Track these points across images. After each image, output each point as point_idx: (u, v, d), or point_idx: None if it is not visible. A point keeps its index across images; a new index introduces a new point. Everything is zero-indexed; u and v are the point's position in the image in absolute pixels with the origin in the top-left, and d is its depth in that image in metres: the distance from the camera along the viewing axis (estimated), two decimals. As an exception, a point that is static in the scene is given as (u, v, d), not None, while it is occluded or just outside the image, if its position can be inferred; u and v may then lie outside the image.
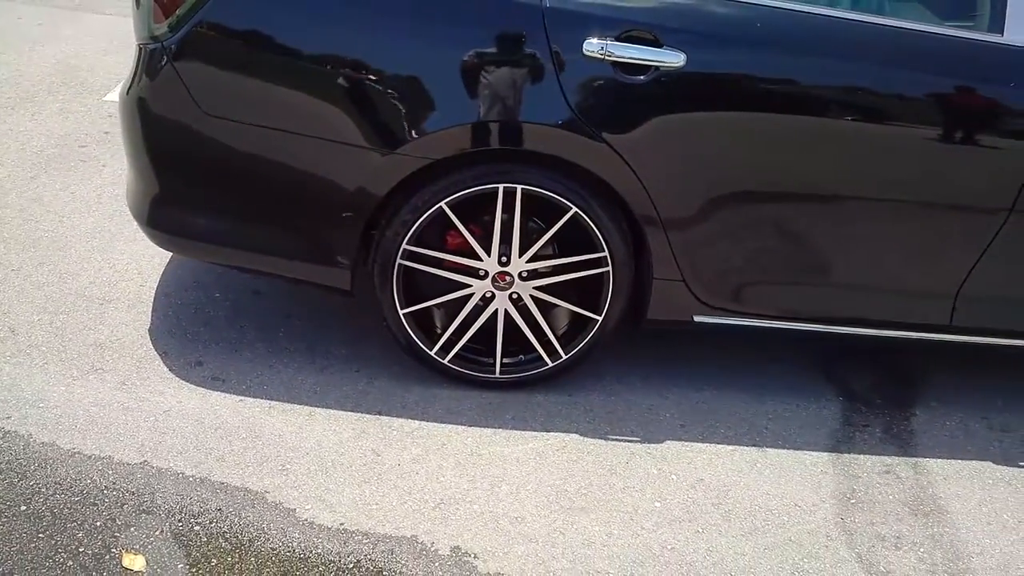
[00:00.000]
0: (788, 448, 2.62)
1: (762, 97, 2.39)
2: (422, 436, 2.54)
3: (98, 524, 2.17)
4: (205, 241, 2.62)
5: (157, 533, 2.16)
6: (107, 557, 2.09)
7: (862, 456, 2.62)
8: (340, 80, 2.38)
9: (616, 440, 2.59)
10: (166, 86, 2.45)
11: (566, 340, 2.68)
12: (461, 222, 2.49)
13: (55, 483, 2.26)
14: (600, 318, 2.62)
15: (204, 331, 2.85)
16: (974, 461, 2.64)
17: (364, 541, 2.20)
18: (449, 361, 2.67)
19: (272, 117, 2.42)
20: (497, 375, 2.69)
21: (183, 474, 2.33)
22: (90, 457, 2.35)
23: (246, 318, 2.93)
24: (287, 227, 2.56)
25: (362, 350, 2.82)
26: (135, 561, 2.08)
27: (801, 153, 2.42)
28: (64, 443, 2.38)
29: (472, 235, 2.52)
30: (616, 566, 2.20)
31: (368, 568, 2.13)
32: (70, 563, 2.07)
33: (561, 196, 2.45)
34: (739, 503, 2.41)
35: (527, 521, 2.30)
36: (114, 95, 4.24)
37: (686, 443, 2.60)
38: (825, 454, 2.61)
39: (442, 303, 2.64)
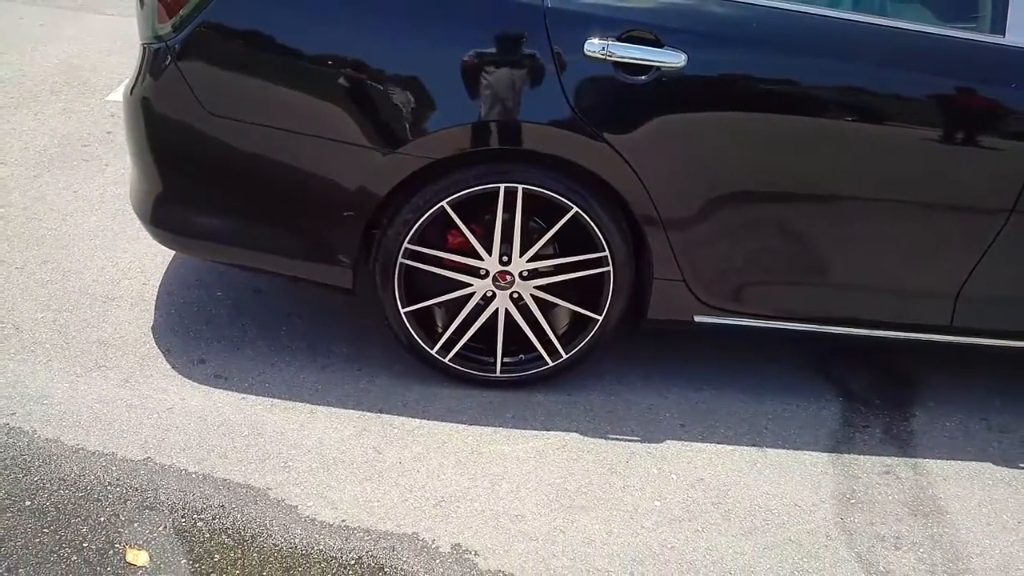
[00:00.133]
0: (788, 448, 2.63)
1: (762, 97, 2.40)
2: (423, 434, 2.55)
3: (102, 520, 2.18)
4: (208, 240, 2.63)
5: (160, 529, 2.17)
6: (111, 552, 2.10)
7: (862, 456, 2.63)
8: (342, 80, 2.39)
9: (616, 439, 2.60)
10: (170, 85, 2.46)
11: (566, 339, 2.69)
12: (462, 221, 2.50)
13: (59, 479, 2.28)
14: (600, 318, 2.63)
15: (206, 329, 2.86)
16: (973, 462, 2.65)
17: (365, 538, 2.21)
18: (450, 360, 2.68)
19: (275, 116, 2.43)
20: (498, 374, 2.70)
21: (186, 471, 2.34)
22: (94, 453, 2.36)
23: (248, 316, 2.94)
24: (289, 226, 2.57)
25: (363, 349, 2.84)
26: (139, 556, 2.10)
27: (802, 153, 2.43)
28: (68, 439, 2.39)
29: (473, 234, 2.54)
30: (616, 564, 2.21)
31: (369, 565, 2.14)
32: (74, 558, 2.08)
33: (562, 196, 2.46)
34: (739, 502, 2.42)
35: (527, 519, 2.31)
36: (116, 95, 4.25)
37: (686, 443, 2.61)
38: (825, 454, 2.62)
39: (443, 302, 2.65)
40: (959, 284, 2.58)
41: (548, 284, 2.61)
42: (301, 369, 2.74)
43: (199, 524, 2.20)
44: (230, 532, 2.19)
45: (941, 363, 3.02)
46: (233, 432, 2.48)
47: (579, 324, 2.68)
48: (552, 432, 2.60)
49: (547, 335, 2.65)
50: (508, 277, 2.59)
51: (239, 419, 2.53)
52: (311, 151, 2.44)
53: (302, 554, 2.15)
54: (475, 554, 2.20)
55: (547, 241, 2.55)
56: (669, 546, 2.27)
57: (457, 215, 2.49)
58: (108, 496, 2.24)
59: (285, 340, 2.85)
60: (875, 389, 2.91)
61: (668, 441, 2.61)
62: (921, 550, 2.34)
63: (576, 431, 2.61)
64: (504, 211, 2.49)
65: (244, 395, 2.62)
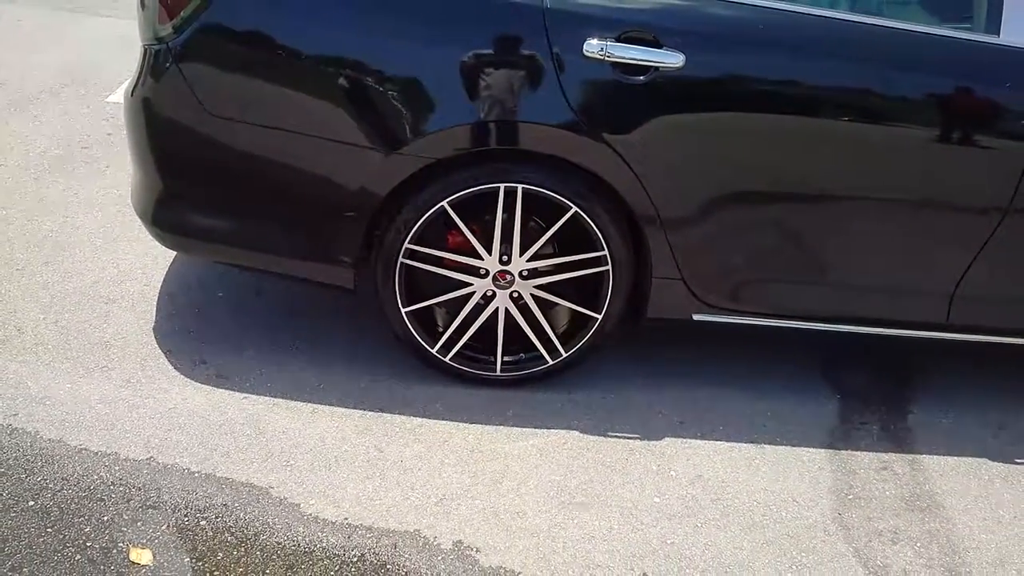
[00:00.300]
0: (786, 445, 2.64)
1: (761, 97, 2.42)
2: (424, 432, 2.56)
3: (105, 519, 2.19)
4: (209, 240, 2.65)
5: (163, 528, 2.19)
6: (114, 551, 2.11)
7: (859, 453, 2.64)
8: (342, 81, 2.41)
9: (616, 437, 2.62)
10: (170, 87, 2.47)
11: (566, 338, 2.70)
12: (462, 221, 2.51)
13: (62, 479, 2.29)
14: (600, 317, 2.64)
15: (208, 329, 2.87)
16: (970, 457, 2.66)
17: (368, 535, 2.22)
18: (450, 359, 2.70)
19: (275, 117, 2.44)
20: (498, 373, 2.72)
21: (188, 470, 2.35)
22: (96, 453, 2.37)
23: (249, 316, 2.95)
24: (290, 226, 2.58)
25: (364, 348, 2.85)
26: (142, 555, 2.11)
27: (799, 153, 2.45)
28: (71, 440, 2.40)
29: (473, 234, 2.55)
30: (616, 560, 2.23)
31: (372, 562, 2.16)
32: (78, 557, 2.09)
33: (561, 196, 2.48)
34: (737, 499, 2.44)
35: (528, 516, 2.33)
36: (116, 96, 4.26)
37: (685, 440, 2.63)
38: (823, 451, 2.64)
39: (443, 301, 2.66)
40: (955, 281, 2.60)
41: (548, 283, 2.63)
42: (302, 368, 2.75)
43: (202, 523, 2.21)
44: (233, 531, 2.20)
45: (940, 360, 3.03)
46: (235, 431, 2.49)
47: (579, 323, 2.70)
48: (552, 430, 2.62)
49: (547, 334, 2.67)
50: (508, 276, 2.61)
51: (241, 418, 2.54)
52: (311, 152, 2.46)
53: (305, 552, 2.16)
54: (476, 551, 2.22)
55: (546, 241, 2.57)
56: (669, 542, 2.29)
57: (457, 215, 2.50)
58: (111, 496, 2.26)
59: (286, 340, 2.87)
60: (872, 386, 2.93)
61: (667, 438, 2.63)
62: (918, 545, 2.36)
63: (576, 429, 2.63)
64: (504, 211, 2.50)
65: (246, 395, 2.63)
